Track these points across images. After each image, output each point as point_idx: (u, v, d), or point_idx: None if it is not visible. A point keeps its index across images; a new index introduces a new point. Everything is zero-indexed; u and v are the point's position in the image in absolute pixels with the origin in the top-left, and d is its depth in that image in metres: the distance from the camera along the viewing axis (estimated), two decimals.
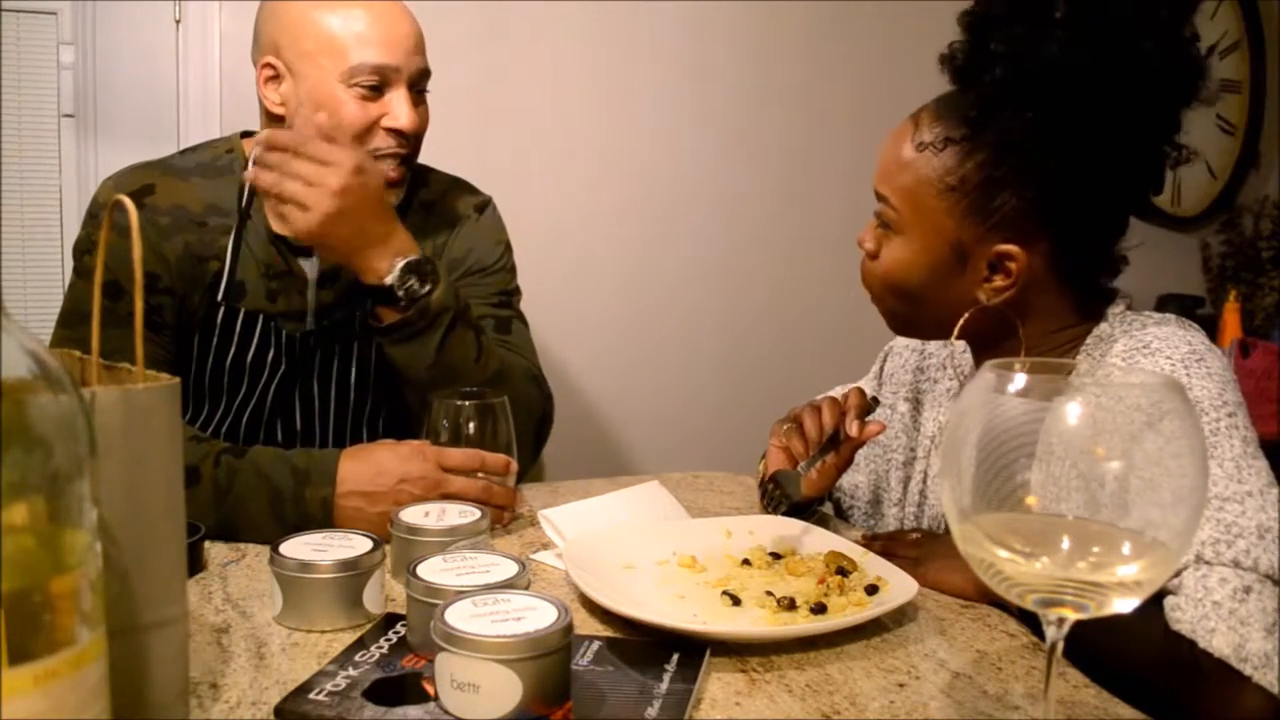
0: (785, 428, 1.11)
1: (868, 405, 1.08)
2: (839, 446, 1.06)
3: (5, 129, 1.81)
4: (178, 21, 1.89)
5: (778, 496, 1.02)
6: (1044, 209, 0.92)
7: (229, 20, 1.90)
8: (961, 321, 0.97)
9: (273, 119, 1.25)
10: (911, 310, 1.00)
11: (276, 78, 1.22)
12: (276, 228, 1.21)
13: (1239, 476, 0.80)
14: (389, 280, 1.11)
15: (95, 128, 1.86)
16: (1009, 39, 0.90)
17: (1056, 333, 0.98)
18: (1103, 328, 0.97)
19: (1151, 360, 0.88)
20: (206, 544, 0.97)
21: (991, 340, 1.00)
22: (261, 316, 1.26)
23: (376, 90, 1.20)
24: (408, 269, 1.11)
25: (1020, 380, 0.53)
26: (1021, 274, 0.94)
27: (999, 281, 0.95)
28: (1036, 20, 0.89)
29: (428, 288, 1.12)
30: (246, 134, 1.32)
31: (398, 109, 1.21)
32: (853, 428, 1.04)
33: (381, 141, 1.22)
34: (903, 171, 0.96)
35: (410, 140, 1.24)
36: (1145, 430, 0.51)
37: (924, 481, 1.13)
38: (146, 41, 1.88)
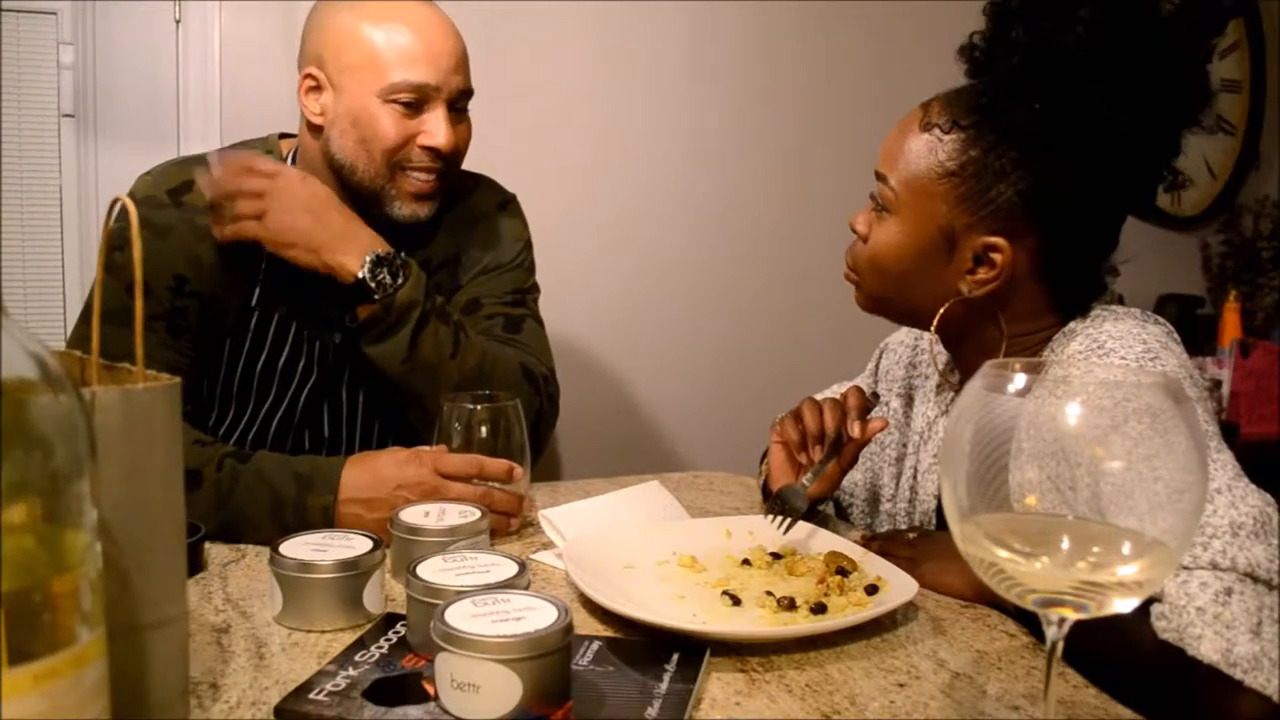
0: (782, 417, 1.12)
1: (867, 403, 1.08)
2: (842, 450, 1.06)
3: (5, 129, 1.81)
4: (178, 21, 1.88)
5: (786, 513, 1.02)
6: (1037, 205, 0.93)
7: (229, 20, 1.90)
8: (941, 312, 0.98)
9: (312, 129, 1.24)
10: (891, 293, 1.02)
11: (318, 88, 1.22)
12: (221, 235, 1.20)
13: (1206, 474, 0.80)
14: (361, 274, 1.13)
15: (95, 128, 1.86)
16: (1030, 30, 0.91)
17: (1031, 334, 0.99)
18: (1069, 324, 0.97)
19: (1105, 361, 0.88)
20: (206, 544, 0.97)
21: (965, 335, 1.01)
22: (294, 324, 1.26)
23: (415, 107, 1.19)
24: (378, 262, 1.14)
25: (1018, 380, 0.53)
26: (1005, 269, 0.94)
27: (982, 274, 0.96)
28: (1060, 15, 0.90)
29: (399, 281, 1.14)
30: (285, 135, 1.33)
31: (435, 127, 1.20)
32: (854, 428, 1.05)
33: (415, 155, 1.21)
34: (906, 154, 0.97)
35: (446, 158, 1.23)
36: (1113, 431, 0.50)
37: (914, 477, 1.13)
38: (146, 41, 1.87)
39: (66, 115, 1.85)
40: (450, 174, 1.25)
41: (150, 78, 1.88)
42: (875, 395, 1.11)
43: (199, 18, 1.89)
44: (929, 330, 1.01)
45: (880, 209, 1.00)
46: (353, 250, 1.14)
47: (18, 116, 1.82)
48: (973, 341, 1.01)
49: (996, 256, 0.94)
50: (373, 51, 1.18)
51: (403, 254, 1.17)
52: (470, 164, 1.43)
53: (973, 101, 0.95)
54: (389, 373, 1.17)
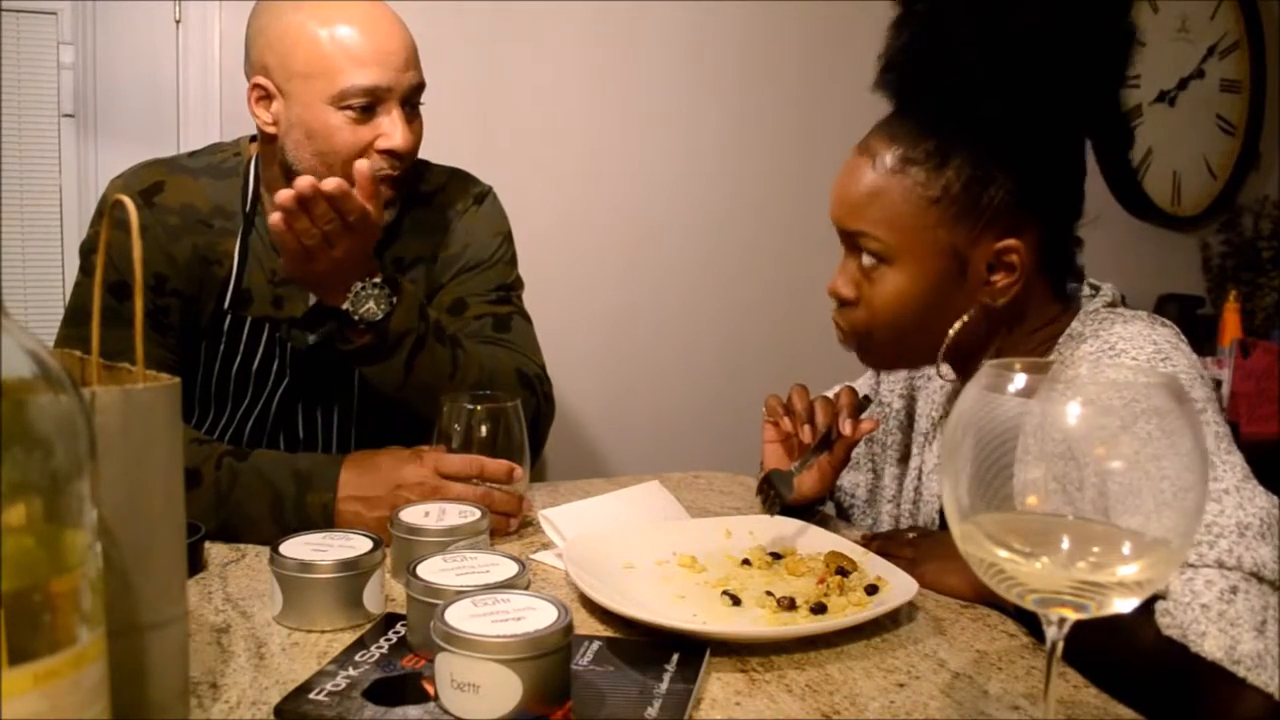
0: (772, 399, 1.12)
1: (860, 403, 1.08)
2: (833, 446, 1.06)
3: (5, 129, 1.81)
4: (178, 21, 1.88)
5: (772, 496, 1.02)
6: (1030, 193, 0.93)
7: (229, 20, 1.90)
8: (958, 327, 0.95)
9: (266, 137, 1.22)
10: (911, 338, 0.97)
11: (267, 97, 1.19)
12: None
13: (1214, 474, 0.80)
14: (345, 306, 1.08)
15: (95, 128, 1.86)
16: (967, 34, 0.90)
17: (1037, 330, 0.99)
18: (1074, 326, 0.97)
19: (1117, 362, 0.88)
20: (206, 544, 0.97)
21: (981, 351, 0.99)
22: (268, 325, 1.25)
23: (367, 110, 1.17)
24: (363, 294, 1.08)
25: (1018, 380, 0.53)
26: (1024, 267, 0.94)
27: (1000, 280, 0.95)
28: (985, 7, 0.90)
29: (385, 310, 1.09)
30: (255, 138, 1.31)
31: (391, 130, 1.17)
32: (845, 426, 1.04)
33: (375, 164, 1.18)
34: (876, 201, 0.94)
35: (404, 158, 1.20)
36: (1123, 431, 0.50)
37: (918, 479, 1.13)
38: (146, 41, 1.87)
39: (66, 115, 1.85)
40: (406, 174, 1.24)
41: (150, 78, 1.88)
42: (867, 398, 1.11)
43: (199, 18, 1.89)
44: (955, 362, 0.99)
45: (874, 264, 0.95)
46: (340, 286, 1.08)
47: (18, 116, 1.82)
48: (987, 356, 0.99)
49: (1013, 258, 0.93)
50: (320, 57, 1.14)
51: (396, 276, 1.13)
52: (470, 164, 1.43)
53: (924, 126, 0.94)
54: (385, 391, 1.15)
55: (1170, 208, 2.89)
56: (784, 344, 2.39)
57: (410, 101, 1.21)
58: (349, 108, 1.16)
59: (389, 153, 1.19)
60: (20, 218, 1.85)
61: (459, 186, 1.37)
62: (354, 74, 1.15)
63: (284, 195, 1.01)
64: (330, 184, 1.01)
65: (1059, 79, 0.89)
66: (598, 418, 2.25)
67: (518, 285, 1.37)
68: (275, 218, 1.02)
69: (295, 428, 1.31)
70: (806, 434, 1.05)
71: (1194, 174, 2.93)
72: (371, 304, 1.08)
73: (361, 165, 1.05)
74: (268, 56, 1.18)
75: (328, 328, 1.13)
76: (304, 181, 1.00)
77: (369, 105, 1.17)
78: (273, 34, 1.17)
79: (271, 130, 1.20)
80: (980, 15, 0.90)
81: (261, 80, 1.19)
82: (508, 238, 1.37)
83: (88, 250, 1.25)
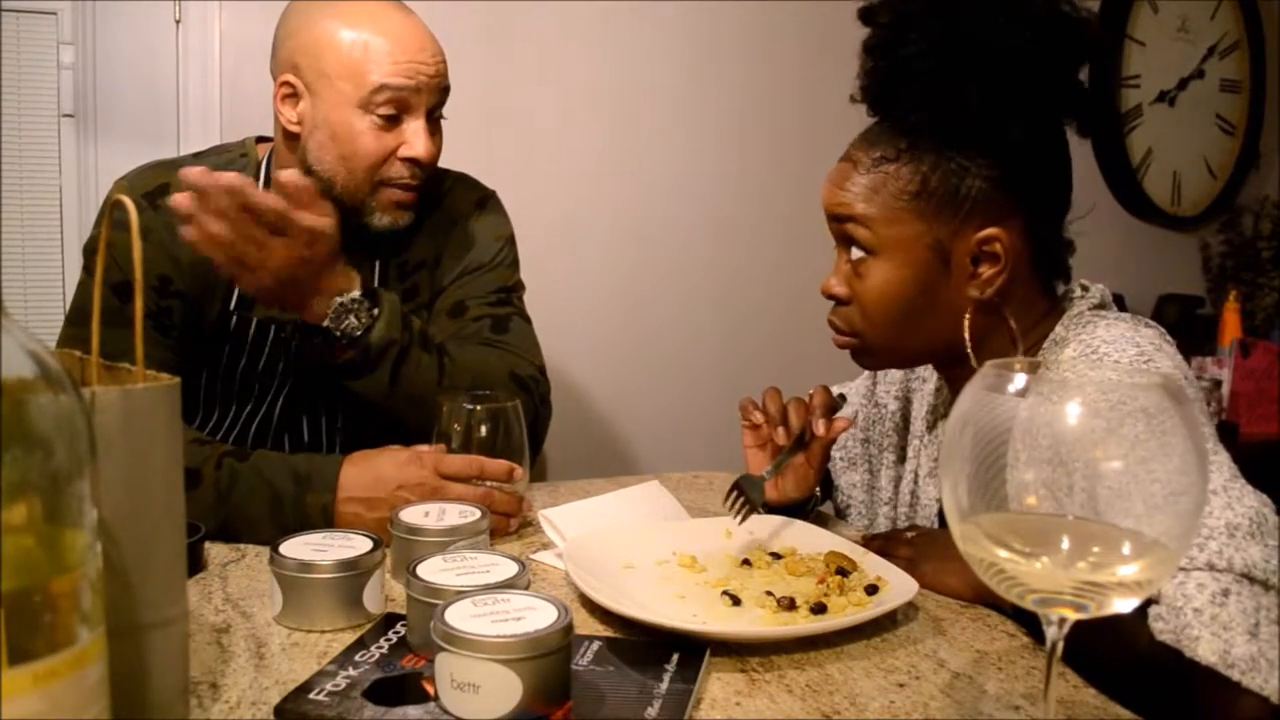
0: (746, 401, 1.13)
1: (834, 403, 1.08)
2: (807, 447, 1.07)
3: (5, 129, 1.81)
4: (178, 21, 1.88)
5: (741, 504, 1.01)
6: (1007, 179, 0.94)
7: (229, 20, 1.90)
8: (967, 323, 0.96)
9: (288, 136, 1.23)
10: (903, 335, 0.99)
11: (294, 95, 1.20)
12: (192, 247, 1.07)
13: None
14: (325, 323, 1.08)
15: (95, 128, 1.86)
16: (921, 36, 0.93)
17: (1036, 325, 0.99)
18: (1058, 330, 0.97)
19: (1099, 366, 0.88)
20: (206, 544, 0.97)
21: (978, 347, 0.99)
22: (273, 327, 1.26)
23: (394, 119, 1.18)
24: (342, 310, 1.07)
25: (1017, 380, 0.53)
26: (1008, 255, 0.94)
27: (985, 271, 0.95)
28: (938, 12, 0.93)
29: (365, 323, 1.08)
30: (261, 139, 1.32)
31: (414, 140, 1.19)
32: (819, 426, 1.05)
33: (396, 171, 1.20)
34: (861, 196, 0.96)
35: (425, 167, 1.22)
36: (1109, 435, 0.50)
37: (915, 481, 1.13)
38: (146, 41, 1.88)
39: (66, 115, 1.85)
40: (427, 183, 1.25)
41: (150, 78, 1.88)
42: (842, 396, 1.11)
43: (199, 18, 1.89)
44: (942, 361, 0.99)
45: (862, 257, 0.97)
46: (318, 304, 1.07)
47: (18, 116, 1.82)
48: (985, 353, 0.99)
49: (995, 247, 0.94)
50: (351, 61, 1.16)
51: (375, 287, 1.11)
52: (470, 164, 1.43)
53: (898, 126, 0.96)
54: (374, 404, 1.14)
55: (1170, 208, 2.89)
56: (784, 344, 2.39)
57: (434, 113, 1.23)
58: (376, 113, 1.17)
59: (411, 161, 1.20)
60: (20, 218, 1.85)
61: (462, 191, 1.38)
62: (384, 79, 1.16)
63: (179, 198, 0.97)
64: (229, 178, 0.97)
65: (1012, 65, 0.91)
66: (598, 418, 2.25)
67: (518, 288, 1.37)
68: (186, 229, 0.99)
69: (299, 430, 1.31)
70: (780, 435, 1.06)
71: (1194, 174, 2.93)
72: (351, 319, 1.08)
73: (283, 174, 1.02)
74: (299, 56, 1.19)
75: (316, 343, 1.13)
76: (193, 172, 0.97)
77: (395, 114, 1.18)
78: (306, 36, 1.19)
79: (295, 129, 1.21)
80: (933, 18, 0.93)
81: (290, 78, 1.20)
82: (509, 241, 1.37)
83: (90, 251, 1.25)
